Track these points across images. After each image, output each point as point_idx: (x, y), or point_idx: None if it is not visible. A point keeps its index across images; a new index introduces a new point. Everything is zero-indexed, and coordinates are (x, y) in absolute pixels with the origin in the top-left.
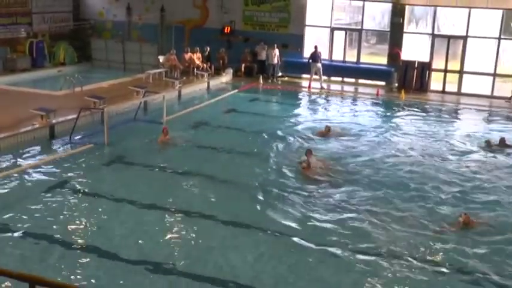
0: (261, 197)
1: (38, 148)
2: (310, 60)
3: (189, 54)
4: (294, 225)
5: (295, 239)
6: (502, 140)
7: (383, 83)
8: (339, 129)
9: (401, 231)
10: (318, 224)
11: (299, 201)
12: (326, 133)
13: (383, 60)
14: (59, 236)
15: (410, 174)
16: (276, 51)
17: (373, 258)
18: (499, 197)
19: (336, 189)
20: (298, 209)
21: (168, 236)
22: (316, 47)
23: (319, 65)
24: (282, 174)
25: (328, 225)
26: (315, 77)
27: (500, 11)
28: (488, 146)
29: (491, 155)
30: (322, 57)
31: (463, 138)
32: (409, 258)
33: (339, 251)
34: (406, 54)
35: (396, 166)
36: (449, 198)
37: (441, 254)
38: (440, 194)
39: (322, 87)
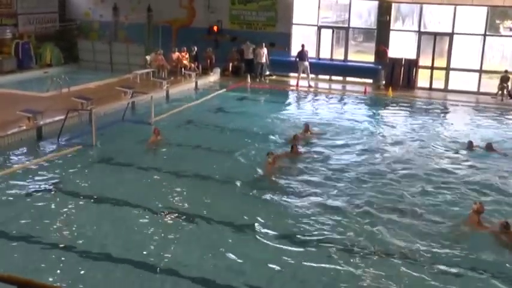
0: (248, 196)
1: (25, 150)
2: (297, 59)
3: (177, 54)
4: (277, 225)
5: (281, 241)
6: (489, 145)
7: (370, 81)
8: (317, 130)
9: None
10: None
11: (289, 200)
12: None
13: (370, 58)
14: (46, 237)
15: (389, 170)
16: (264, 50)
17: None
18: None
19: (306, 187)
20: (286, 208)
21: (156, 237)
22: (303, 46)
23: (306, 63)
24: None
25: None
26: (302, 75)
27: (485, 8)
28: (469, 147)
29: (471, 156)
30: (310, 55)
31: (448, 137)
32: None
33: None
34: (393, 52)
35: (376, 164)
36: (425, 197)
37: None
38: (416, 193)
39: (309, 86)
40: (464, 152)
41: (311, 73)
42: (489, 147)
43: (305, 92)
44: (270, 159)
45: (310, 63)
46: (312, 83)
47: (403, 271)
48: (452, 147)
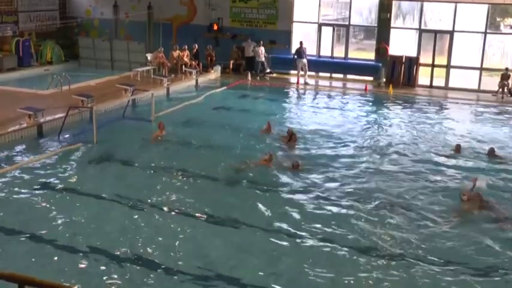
0: (249, 194)
1: (26, 147)
2: (296, 56)
3: (177, 51)
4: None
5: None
6: (491, 151)
7: (371, 79)
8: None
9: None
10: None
11: (291, 197)
12: (289, 138)
13: (371, 55)
14: (47, 235)
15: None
16: (262, 49)
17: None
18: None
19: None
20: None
21: (157, 234)
22: (301, 43)
23: (304, 60)
24: (269, 170)
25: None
26: (301, 72)
27: (486, 6)
28: (456, 150)
29: (454, 161)
30: (310, 53)
31: (447, 135)
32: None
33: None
34: (393, 50)
35: (373, 161)
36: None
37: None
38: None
39: (306, 83)
40: (452, 154)
41: (311, 71)
42: (491, 153)
43: (306, 89)
44: (267, 157)
45: (309, 61)
46: (312, 81)
47: (399, 265)
48: (447, 147)
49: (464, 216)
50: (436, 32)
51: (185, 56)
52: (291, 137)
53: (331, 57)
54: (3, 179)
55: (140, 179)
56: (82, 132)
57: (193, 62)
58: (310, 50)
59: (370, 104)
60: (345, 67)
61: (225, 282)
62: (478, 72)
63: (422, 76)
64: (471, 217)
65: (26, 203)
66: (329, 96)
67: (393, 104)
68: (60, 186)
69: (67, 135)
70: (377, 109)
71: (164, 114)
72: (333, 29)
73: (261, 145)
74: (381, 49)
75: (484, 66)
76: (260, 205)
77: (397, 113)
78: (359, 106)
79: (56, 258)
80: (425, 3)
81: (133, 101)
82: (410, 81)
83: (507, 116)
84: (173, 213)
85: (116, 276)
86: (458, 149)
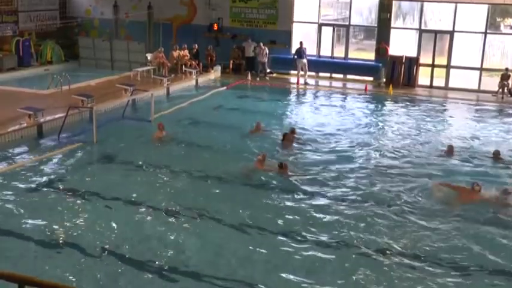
0: (247, 194)
1: (26, 147)
2: (296, 56)
3: (177, 51)
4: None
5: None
6: (496, 153)
7: (371, 79)
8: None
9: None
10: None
11: (290, 199)
12: (283, 138)
13: (371, 55)
14: (46, 235)
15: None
16: (265, 50)
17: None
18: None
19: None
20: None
21: (156, 233)
22: (301, 43)
23: (304, 60)
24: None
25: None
26: (301, 72)
27: (486, 6)
28: (449, 151)
29: (452, 161)
30: (310, 53)
31: (446, 136)
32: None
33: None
34: (393, 50)
35: (371, 162)
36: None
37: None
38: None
39: (306, 83)
40: (446, 155)
41: (311, 71)
42: (496, 155)
43: (306, 90)
44: (260, 157)
45: (309, 61)
46: (312, 81)
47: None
48: (444, 148)
49: (462, 214)
50: (436, 32)
51: (185, 56)
52: (284, 137)
53: (331, 57)
54: (2, 179)
55: (140, 179)
56: (82, 132)
57: (193, 62)
58: (310, 50)
59: (370, 104)
60: (345, 67)
61: (222, 283)
62: (478, 72)
63: (422, 76)
64: (470, 213)
65: (26, 203)
66: (329, 97)
67: (393, 104)
68: (60, 186)
69: (67, 135)
70: (377, 109)
71: (164, 115)
72: (333, 29)
73: (260, 145)
74: (381, 49)
75: (484, 66)
76: (253, 205)
77: (397, 113)
78: (359, 106)
79: (55, 258)
80: (425, 3)
81: (133, 101)
82: (410, 81)
83: (507, 116)
84: (172, 213)
85: (115, 276)
86: (450, 150)
